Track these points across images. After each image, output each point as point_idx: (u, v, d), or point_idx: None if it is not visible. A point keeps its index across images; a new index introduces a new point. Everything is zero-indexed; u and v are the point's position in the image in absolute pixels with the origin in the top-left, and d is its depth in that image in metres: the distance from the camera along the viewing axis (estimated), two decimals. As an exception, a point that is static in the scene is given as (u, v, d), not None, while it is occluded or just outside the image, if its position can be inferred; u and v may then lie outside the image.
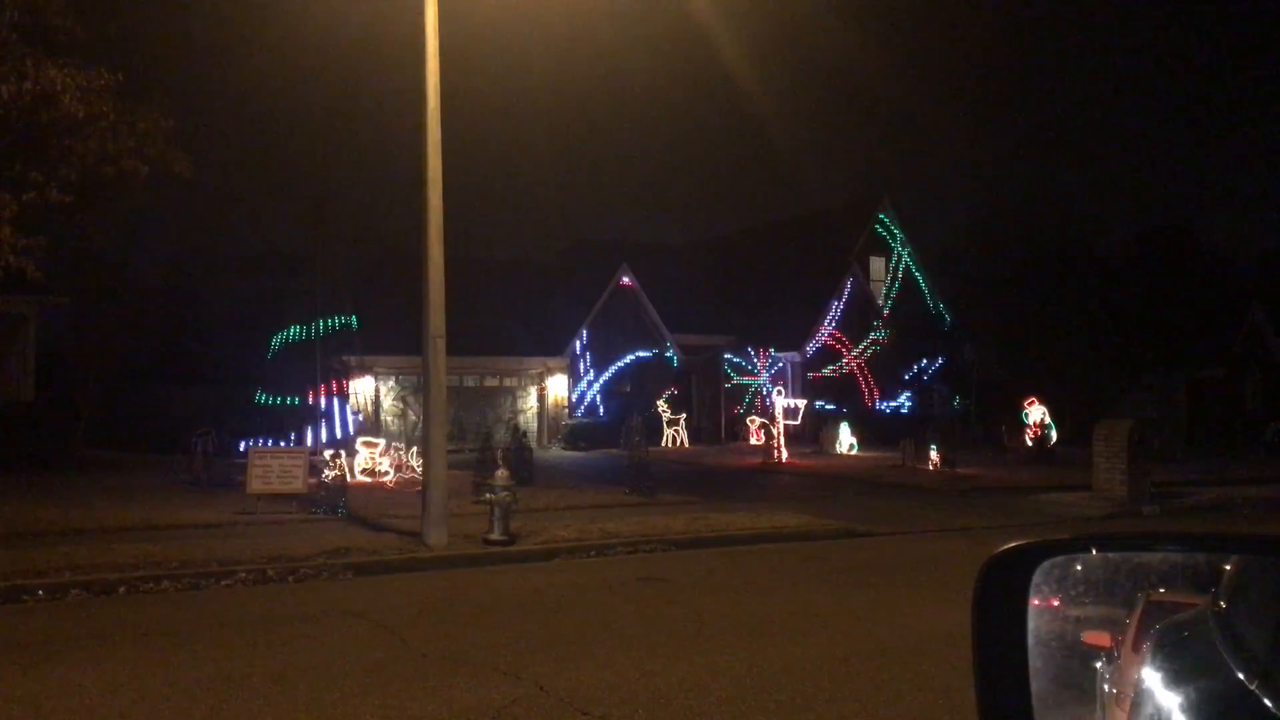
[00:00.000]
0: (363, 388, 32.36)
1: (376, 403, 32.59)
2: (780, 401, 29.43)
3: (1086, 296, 34.90)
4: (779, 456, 27.21)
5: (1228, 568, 2.08)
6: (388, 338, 29.61)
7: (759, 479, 23.38)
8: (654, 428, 31.14)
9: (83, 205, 14.20)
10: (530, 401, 35.38)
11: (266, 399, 28.83)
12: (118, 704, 6.01)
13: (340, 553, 11.40)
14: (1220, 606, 2.03)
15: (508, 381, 35.05)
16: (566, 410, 35.28)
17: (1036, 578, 1.93)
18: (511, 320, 34.00)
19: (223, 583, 10.21)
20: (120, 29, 14.45)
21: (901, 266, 40.14)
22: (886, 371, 37.90)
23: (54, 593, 9.47)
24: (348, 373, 31.40)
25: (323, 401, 28.85)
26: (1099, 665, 2.27)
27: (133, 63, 14.10)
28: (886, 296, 39.60)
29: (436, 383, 12.46)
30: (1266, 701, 1.65)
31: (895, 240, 40.13)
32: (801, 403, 33.64)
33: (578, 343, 35.81)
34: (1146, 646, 2.07)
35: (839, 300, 38.05)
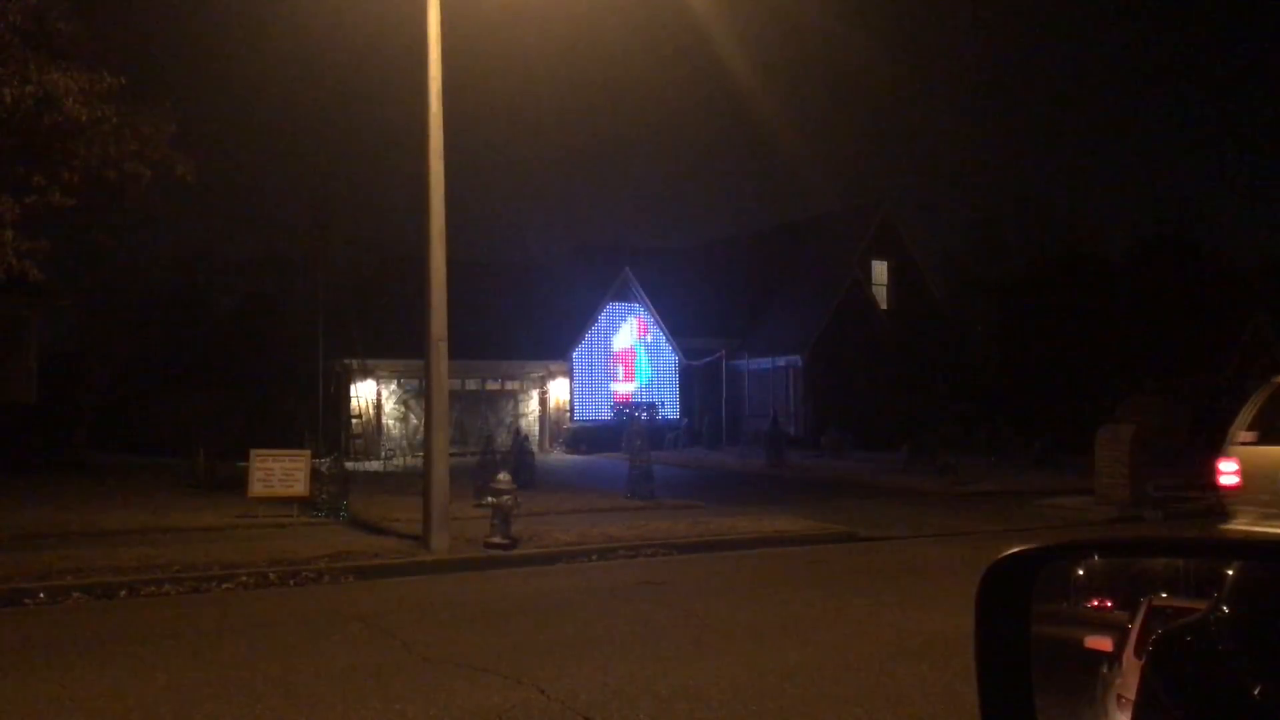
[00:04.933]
0: (365, 391, 32.39)
1: (378, 406, 32.62)
2: (781, 406, 29.42)
3: (1089, 301, 34.88)
4: (781, 460, 27.20)
5: (1230, 573, 2.07)
6: (389, 341, 29.63)
7: (760, 483, 23.36)
8: (655, 431, 31.16)
9: (85, 209, 14.24)
10: (532, 405, 35.40)
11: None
12: (119, 708, 6.01)
13: (342, 556, 11.40)
14: (1222, 611, 2.02)
15: (510, 385, 35.08)
16: (568, 414, 35.29)
17: (1039, 582, 1.93)
18: (514, 324, 34.02)
19: (224, 586, 10.21)
20: (123, 33, 14.50)
21: (904, 270, 40.12)
22: (888, 375, 37.90)
23: (55, 596, 9.48)
24: (349, 375, 31.42)
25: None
26: (1101, 670, 2.27)
27: (135, 66, 14.15)
28: (889, 300, 39.58)
29: (438, 386, 12.46)
30: (1269, 707, 1.64)
31: (898, 244, 40.12)
32: (804, 407, 33.63)
33: (580, 346, 35.82)
34: (1148, 651, 2.06)
35: (841, 304, 38.03)
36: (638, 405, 34.98)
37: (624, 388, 36.48)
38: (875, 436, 32.46)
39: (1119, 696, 2.13)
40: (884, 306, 39.28)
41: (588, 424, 34.78)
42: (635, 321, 36.81)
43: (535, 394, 35.39)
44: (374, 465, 26.81)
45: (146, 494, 17.76)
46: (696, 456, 31.15)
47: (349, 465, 19.58)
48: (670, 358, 37.32)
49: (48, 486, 18.35)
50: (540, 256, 56.80)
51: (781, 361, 37.69)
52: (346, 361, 31.43)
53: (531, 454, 22.13)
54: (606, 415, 35.29)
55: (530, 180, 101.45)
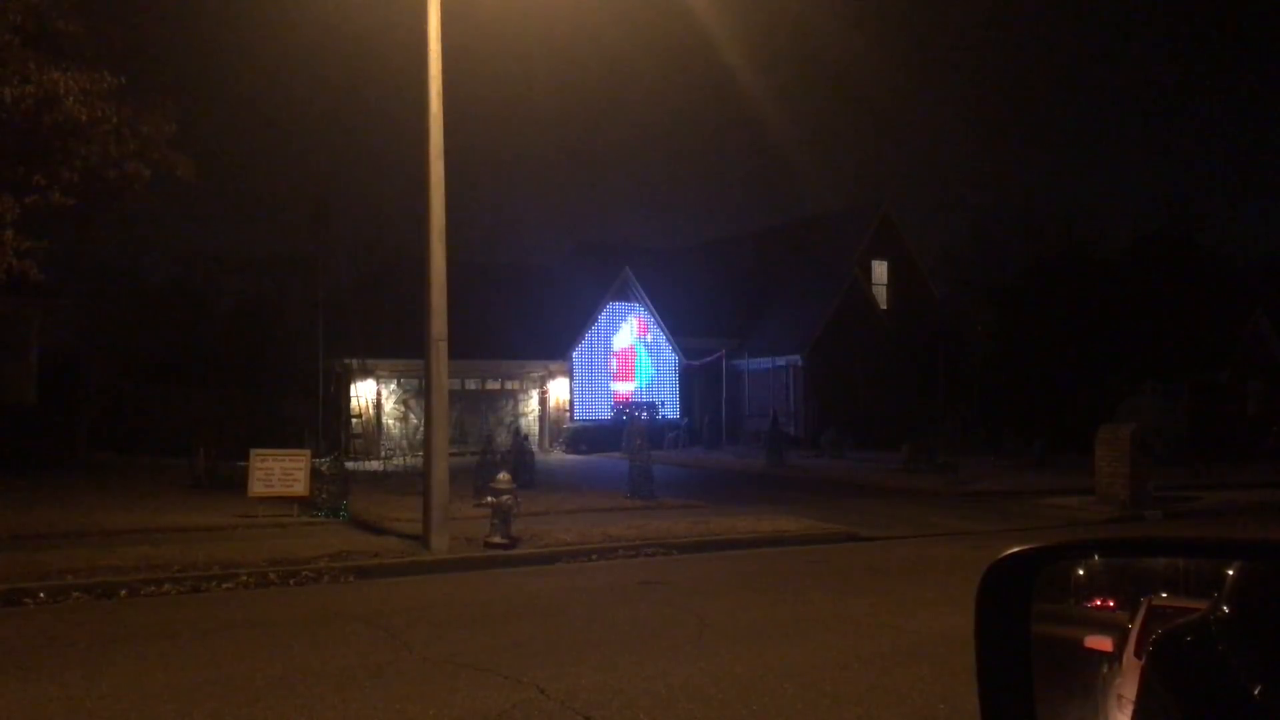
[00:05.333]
0: (365, 391, 32.37)
1: (378, 406, 32.60)
2: (781, 406, 29.40)
3: (1088, 300, 34.86)
4: (781, 460, 27.19)
5: (1230, 573, 2.07)
6: (389, 341, 29.63)
7: (760, 482, 23.36)
8: (656, 431, 31.15)
9: (85, 208, 14.24)
10: (532, 405, 35.39)
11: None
12: (119, 707, 6.01)
13: (342, 556, 11.40)
14: (1223, 611, 2.02)
15: (509, 385, 35.07)
16: (568, 413, 35.29)
17: (1039, 582, 1.93)
18: (513, 323, 34.03)
19: (224, 586, 10.21)
20: (123, 33, 14.50)
21: (903, 270, 40.13)
22: (888, 374, 37.94)
23: (55, 595, 9.47)
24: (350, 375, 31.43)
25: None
26: (1101, 670, 2.27)
27: (135, 66, 14.17)
28: (888, 300, 39.59)
29: (438, 386, 12.46)
30: (1269, 707, 1.64)
31: (897, 244, 40.13)
32: (804, 406, 33.62)
33: (580, 346, 35.81)
34: (1148, 651, 2.06)
35: (841, 304, 38.05)
36: (638, 405, 34.98)
37: (624, 387, 36.47)
38: (875, 436, 32.47)
39: (1119, 696, 2.13)
40: (884, 306, 39.29)
41: (588, 424, 34.77)
42: (635, 321, 36.80)
43: (535, 394, 35.38)
44: (374, 465, 26.79)
45: (146, 494, 17.74)
46: (696, 456, 31.15)
47: (349, 465, 19.57)
48: (670, 357, 37.31)
49: (48, 486, 18.34)
50: (540, 256, 56.82)
51: (781, 361, 37.69)
52: (346, 361, 31.41)
53: (531, 454, 22.13)
54: (606, 415, 35.29)
55: (530, 180, 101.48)
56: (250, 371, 31.92)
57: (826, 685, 6.46)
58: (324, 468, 16.21)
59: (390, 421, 32.83)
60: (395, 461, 26.95)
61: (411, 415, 31.85)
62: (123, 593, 9.75)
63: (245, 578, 10.38)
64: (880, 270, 39.83)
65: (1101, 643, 2.27)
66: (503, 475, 12.84)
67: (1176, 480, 21.72)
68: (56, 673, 6.77)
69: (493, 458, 19.00)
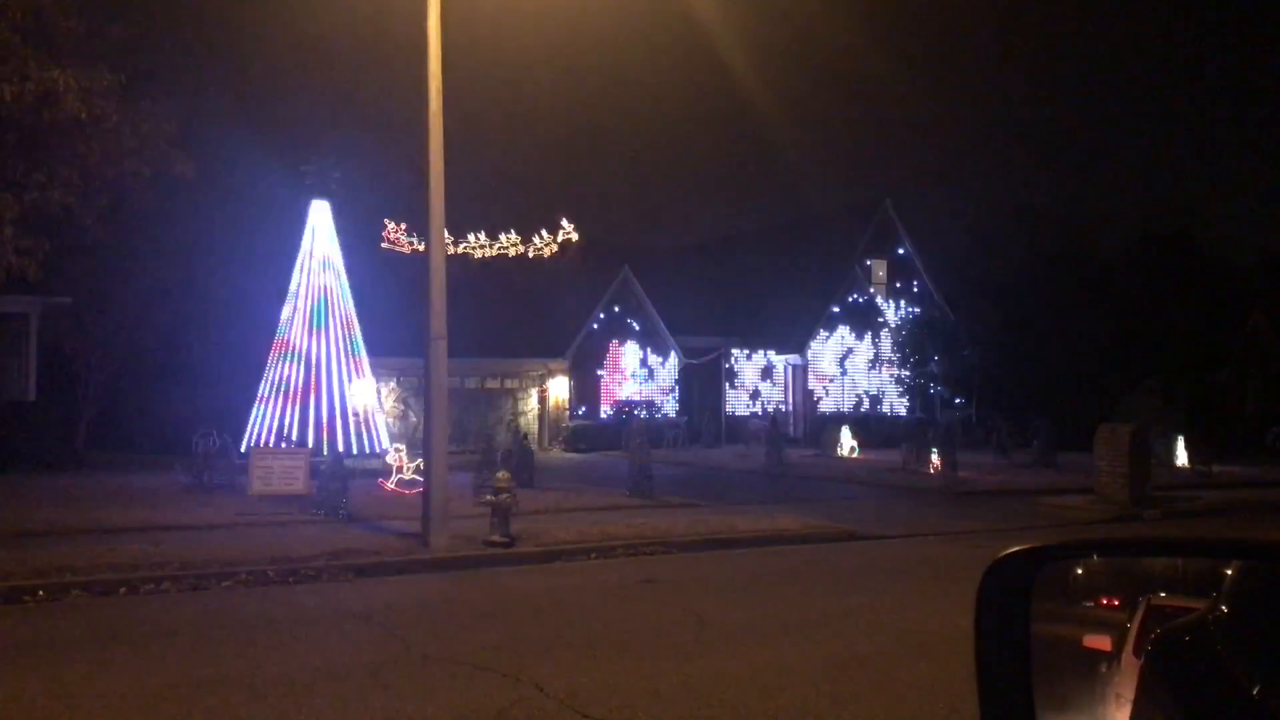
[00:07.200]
0: (363, 390, 32.33)
1: (377, 404, 32.57)
2: (781, 404, 29.37)
3: (1088, 299, 34.88)
4: (781, 459, 27.17)
5: (1229, 572, 2.08)
6: (389, 339, 29.60)
7: (760, 481, 23.36)
8: (655, 430, 31.12)
9: (85, 206, 14.25)
10: (531, 403, 35.37)
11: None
12: (118, 706, 6.01)
13: (341, 554, 11.39)
14: (1221, 611, 2.03)
15: (509, 383, 35.04)
16: (567, 412, 35.27)
17: (1039, 582, 1.94)
18: (513, 322, 33.99)
19: (223, 584, 10.20)
20: (123, 31, 14.50)
21: (903, 269, 40.11)
22: (888, 374, 37.94)
23: (54, 593, 9.47)
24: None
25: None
26: (1100, 669, 2.27)
27: (135, 65, 14.17)
28: (888, 298, 39.58)
29: (437, 384, 12.46)
30: (1269, 707, 1.65)
31: (897, 242, 40.10)
32: (803, 405, 33.60)
33: (579, 344, 35.79)
34: (1147, 650, 2.07)
35: (841, 302, 38.05)
36: (637, 403, 34.98)
37: (623, 386, 36.47)
38: (874, 434, 32.47)
39: (1118, 696, 2.14)
40: (883, 304, 39.25)
41: (587, 422, 34.76)
42: (635, 319, 36.79)
43: (534, 392, 35.36)
44: (373, 464, 26.78)
45: (146, 491, 17.73)
46: (696, 455, 31.11)
47: (348, 463, 19.53)
48: (670, 356, 37.30)
49: (47, 484, 18.34)
50: (539, 255, 56.57)
51: (781, 360, 37.67)
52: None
53: (531, 452, 22.10)
54: (606, 414, 35.29)
55: (530, 180, 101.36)
56: (251, 369, 31.83)
57: (825, 684, 6.46)
58: (323, 466, 16.20)
59: (389, 420, 32.80)
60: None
61: (410, 414, 31.83)
62: (122, 590, 9.75)
63: (244, 576, 10.38)
64: (881, 269, 39.78)
65: (1101, 642, 2.28)
66: (502, 474, 12.83)
67: (1176, 479, 21.73)
68: (56, 671, 6.77)
69: (492, 456, 18.98)
